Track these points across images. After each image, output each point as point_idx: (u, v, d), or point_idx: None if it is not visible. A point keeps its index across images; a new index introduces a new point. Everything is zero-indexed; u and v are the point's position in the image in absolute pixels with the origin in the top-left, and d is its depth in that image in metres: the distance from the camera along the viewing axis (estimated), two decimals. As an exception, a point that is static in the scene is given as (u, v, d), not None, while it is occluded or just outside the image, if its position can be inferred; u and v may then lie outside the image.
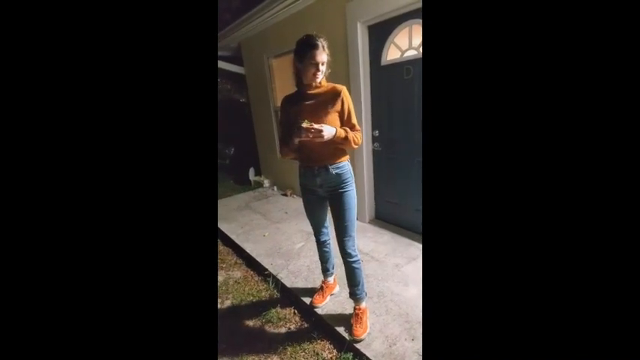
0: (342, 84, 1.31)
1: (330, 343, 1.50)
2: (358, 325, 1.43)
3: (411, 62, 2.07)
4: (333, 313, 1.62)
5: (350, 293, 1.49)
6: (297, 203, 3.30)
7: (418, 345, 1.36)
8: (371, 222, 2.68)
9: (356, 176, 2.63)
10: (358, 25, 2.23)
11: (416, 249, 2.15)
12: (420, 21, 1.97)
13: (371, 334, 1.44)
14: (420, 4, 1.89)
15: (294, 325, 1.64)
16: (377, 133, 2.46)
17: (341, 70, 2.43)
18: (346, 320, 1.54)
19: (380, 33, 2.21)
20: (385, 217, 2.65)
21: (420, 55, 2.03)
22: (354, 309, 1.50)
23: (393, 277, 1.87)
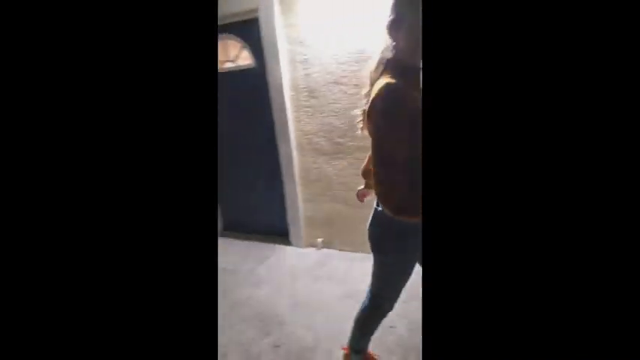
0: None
1: None
2: None
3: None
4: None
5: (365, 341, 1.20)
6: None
7: (273, 338, 1.44)
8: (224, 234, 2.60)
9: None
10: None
11: (270, 251, 2.26)
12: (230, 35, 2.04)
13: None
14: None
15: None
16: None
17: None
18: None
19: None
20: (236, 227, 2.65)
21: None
22: (371, 355, 1.25)
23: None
